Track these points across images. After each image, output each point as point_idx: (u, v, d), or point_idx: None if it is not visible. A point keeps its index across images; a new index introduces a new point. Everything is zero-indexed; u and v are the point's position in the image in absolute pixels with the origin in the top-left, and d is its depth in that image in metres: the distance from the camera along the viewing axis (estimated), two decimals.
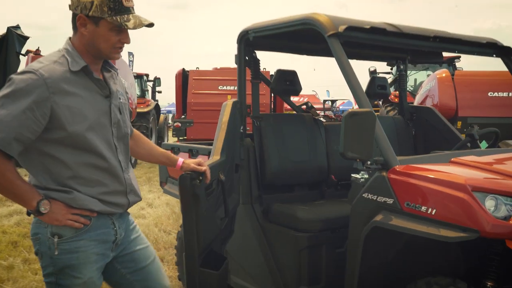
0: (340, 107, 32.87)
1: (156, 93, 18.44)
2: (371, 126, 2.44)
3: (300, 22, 3.04)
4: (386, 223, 2.44)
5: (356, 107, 18.56)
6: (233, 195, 3.27)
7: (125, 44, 2.08)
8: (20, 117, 1.86)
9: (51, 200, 1.97)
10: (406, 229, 2.37)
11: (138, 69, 19.21)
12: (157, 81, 18.32)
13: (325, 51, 3.67)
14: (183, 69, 11.70)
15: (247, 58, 3.58)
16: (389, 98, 12.54)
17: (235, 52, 3.57)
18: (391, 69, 13.79)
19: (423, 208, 2.35)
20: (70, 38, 2.09)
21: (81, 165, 2.02)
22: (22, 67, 14.71)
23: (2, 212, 7.11)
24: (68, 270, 2.02)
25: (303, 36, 3.38)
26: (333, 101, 29.38)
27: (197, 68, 11.87)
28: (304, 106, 4.28)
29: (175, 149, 4.32)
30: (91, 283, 2.07)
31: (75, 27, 2.05)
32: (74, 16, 2.03)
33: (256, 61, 3.64)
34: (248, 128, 3.59)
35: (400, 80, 4.38)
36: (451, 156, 2.75)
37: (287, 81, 3.78)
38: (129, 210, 2.27)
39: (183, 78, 11.59)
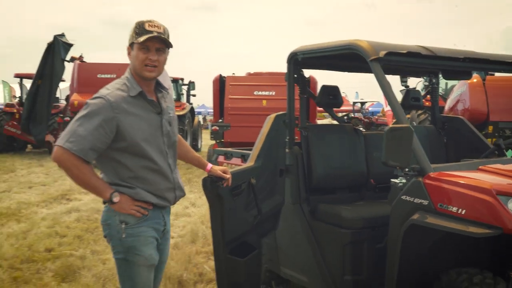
0: (370, 109, 32.98)
1: (191, 96, 19.06)
2: (409, 139, 2.89)
3: (345, 48, 3.50)
4: (422, 221, 2.89)
5: (387, 108, 18.87)
6: (276, 196, 3.74)
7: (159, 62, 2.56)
8: (94, 132, 2.42)
9: (120, 193, 2.51)
10: (439, 226, 2.81)
11: (168, 71, 19.83)
12: (191, 84, 18.92)
13: (363, 69, 4.11)
14: (220, 75, 12.24)
15: (295, 76, 4.05)
16: None
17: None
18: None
19: (454, 209, 2.79)
20: (129, 69, 2.63)
21: (139, 168, 2.56)
22: (67, 72, 15.55)
23: (61, 210, 7.76)
24: (133, 249, 2.57)
25: (344, 56, 3.82)
26: (362, 103, 29.52)
27: (233, 73, 12.41)
28: (346, 117, 4.75)
29: (228, 154, 4.84)
30: (151, 258, 2.62)
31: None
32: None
33: (304, 79, 4.11)
34: (296, 137, 4.07)
35: (432, 93, 4.78)
36: (479, 164, 3.17)
37: (330, 95, 4.24)
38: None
39: (220, 83, 12.14)
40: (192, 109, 18.08)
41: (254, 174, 3.41)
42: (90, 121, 2.42)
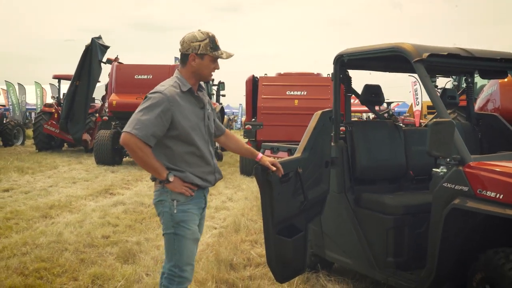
0: (395, 109, 33.00)
1: (221, 96, 19.53)
2: (450, 131, 3.24)
3: (390, 50, 3.85)
4: (463, 205, 3.23)
5: (416, 108, 19.02)
6: (322, 185, 4.11)
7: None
8: (154, 121, 2.88)
9: (174, 175, 2.96)
10: (479, 209, 3.15)
11: None
12: (221, 85, 19.37)
13: (405, 69, 4.45)
14: (253, 75, 12.63)
15: (341, 76, 4.41)
16: None
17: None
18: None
19: (492, 194, 3.12)
20: (178, 69, 3.12)
21: (187, 153, 3.02)
22: (104, 73, 16.15)
23: (107, 203, 8.24)
24: (182, 223, 3.01)
25: (387, 58, 4.16)
26: (388, 103, 29.58)
27: (265, 74, 12.79)
28: (386, 115, 5.10)
29: (274, 149, 5.23)
30: (195, 232, 3.08)
31: (184, 62, 3.08)
32: (185, 55, 3.06)
33: (349, 79, 4.47)
34: (342, 133, 4.43)
35: (467, 91, 5.09)
36: None
37: (373, 94, 4.59)
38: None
39: (253, 83, 12.53)
40: (222, 109, 18.57)
41: (301, 164, 3.78)
42: (151, 112, 2.88)
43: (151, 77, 13.64)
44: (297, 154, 3.92)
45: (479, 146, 4.83)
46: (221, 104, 19.07)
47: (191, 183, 3.03)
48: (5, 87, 28.08)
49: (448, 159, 3.38)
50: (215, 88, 19.54)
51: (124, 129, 2.90)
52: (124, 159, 14.39)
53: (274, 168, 3.38)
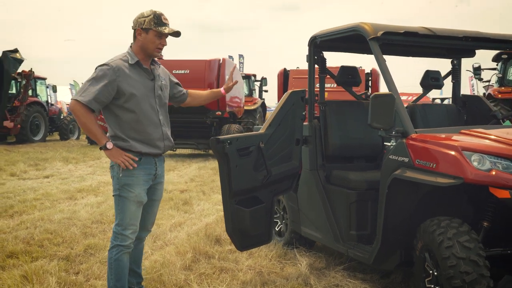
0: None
1: (263, 92, 19.82)
2: (391, 104, 3.35)
3: (352, 30, 3.98)
4: (402, 175, 3.34)
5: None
6: (293, 161, 4.27)
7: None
8: (99, 89, 3.16)
9: (114, 144, 3.22)
10: (414, 178, 3.25)
11: (248, 70, 20.78)
12: (263, 80, 19.66)
13: (368, 50, 4.53)
14: (284, 68, 12.83)
15: (316, 57, 4.57)
16: (493, 94, 12.67)
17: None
18: (497, 65, 13.78)
19: (428, 164, 3.21)
20: (131, 45, 3.37)
21: (134, 121, 3.27)
22: None
23: None
24: (126, 186, 3.28)
25: (355, 38, 4.28)
26: (442, 99, 28.80)
27: (297, 67, 12.95)
28: (363, 95, 5.20)
29: None
30: (138, 195, 3.31)
31: (134, 38, 3.33)
32: (134, 31, 3.32)
33: (323, 60, 4.62)
34: (315, 112, 4.59)
35: (453, 73, 5.09)
36: (461, 128, 3.55)
37: (349, 75, 4.71)
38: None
39: (284, 77, 12.72)
40: (263, 104, 18.83)
41: (264, 139, 3.97)
42: (97, 81, 3.19)
43: (188, 71, 14.10)
44: (261, 130, 4.13)
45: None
46: (263, 99, 19.34)
47: (136, 152, 3.29)
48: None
49: (393, 132, 3.49)
50: (257, 83, 19.86)
51: (73, 97, 3.26)
52: (167, 152, 14.95)
53: (231, 83, 3.76)
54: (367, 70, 13.95)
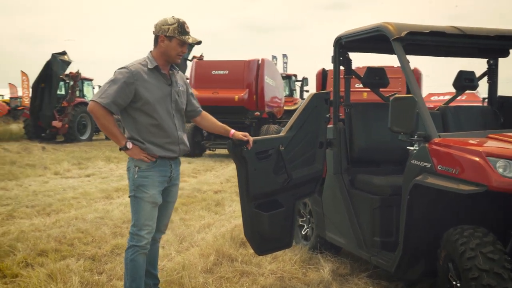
0: None
1: (304, 92, 19.69)
2: (411, 108, 3.22)
3: (375, 30, 3.86)
4: (423, 181, 3.20)
5: None
6: (315, 165, 4.18)
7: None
8: (118, 90, 3.23)
9: (133, 143, 3.29)
10: (436, 185, 3.11)
11: (292, 69, 20.71)
12: (304, 81, 19.53)
13: (392, 50, 4.36)
14: (323, 68, 12.65)
15: (341, 58, 4.46)
16: None
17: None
18: None
19: (450, 170, 3.07)
20: (151, 51, 3.42)
21: (151, 125, 3.32)
22: (187, 70, 17.05)
23: None
24: (141, 187, 3.33)
25: (380, 38, 4.15)
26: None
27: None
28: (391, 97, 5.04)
29: None
30: (153, 196, 3.35)
31: (155, 43, 3.39)
32: (156, 37, 3.37)
33: (349, 61, 4.51)
34: (340, 114, 4.49)
35: (489, 74, 4.86)
36: (490, 132, 3.37)
37: (376, 76, 4.58)
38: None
39: (323, 76, 12.55)
40: None
41: (284, 142, 3.91)
42: (116, 84, 3.25)
43: (227, 72, 14.18)
44: (281, 133, 4.07)
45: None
46: (303, 99, 19.18)
47: (151, 154, 3.33)
48: None
49: (415, 136, 3.37)
50: (298, 84, 19.75)
51: (91, 98, 3.32)
52: (206, 152, 15.11)
53: (245, 139, 3.62)
54: None
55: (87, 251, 4.85)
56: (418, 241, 3.45)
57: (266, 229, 3.87)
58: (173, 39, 3.34)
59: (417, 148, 3.40)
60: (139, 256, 3.38)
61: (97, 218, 6.21)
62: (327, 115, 4.31)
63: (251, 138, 3.65)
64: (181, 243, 5.22)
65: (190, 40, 3.38)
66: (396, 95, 3.32)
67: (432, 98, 18.72)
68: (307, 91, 19.84)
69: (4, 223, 6.04)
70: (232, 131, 3.67)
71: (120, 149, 3.33)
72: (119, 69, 3.33)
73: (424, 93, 19.22)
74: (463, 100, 19.31)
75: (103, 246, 5.02)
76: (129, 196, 3.41)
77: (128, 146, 3.28)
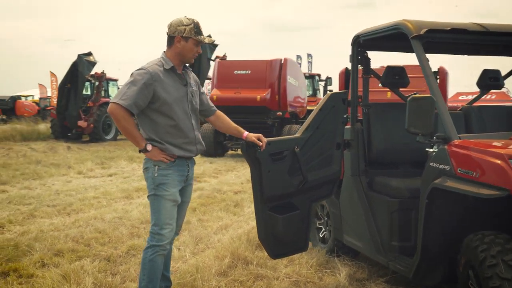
0: None
1: (328, 91, 19.50)
2: (430, 108, 3.10)
3: (394, 28, 3.74)
4: (442, 184, 3.07)
5: None
6: (333, 166, 4.08)
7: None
8: (138, 91, 3.22)
9: (152, 145, 3.29)
10: (455, 188, 2.98)
11: (317, 69, 20.55)
12: (328, 80, 19.35)
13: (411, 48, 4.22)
14: (346, 68, 12.49)
15: (359, 57, 4.35)
16: None
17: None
18: None
19: (470, 173, 2.94)
20: (164, 51, 3.41)
21: (169, 126, 3.32)
22: (210, 70, 17.07)
23: None
24: (162, 186, 3.32)
25: (399, 36, 4.02)
26: None
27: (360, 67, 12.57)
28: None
29: None
30: (173, 194, 3.36)
31: (169, 43, 3.38)
32: (171, 37, 3.37)
33: (367, 60, 4.39)
34: (358, 115, 4.37)
35: None
36: None
37: (396, 76, 4.44)
38: None
39: (346, 76, 12.38)
40: None
41: (299, 143, 3.82)
42: (135, 85, 3.24)
43: (249, 72, 14.12)
44: (297, 134, 3.98)
45: None
46: None
47: (170, 154, 3.34)
48: None
49: (434, 138, 3.24)
50: (322, 83, 19.58)
51: (112, 100, 3.29)
52: (228, 152, 15.09)
53: (260, 143, 3.55)
54: (434, 69, 13.30)
55: (103, 251, 4.85)
56: (437, 246, 3.33)
57: (280, 232, 3.79)
58: (189, 39, 3.35)
59: (436, 150, 3.27)
60: (158, 256, 3.36)
61: (116, 218, 6.22)
62: (345, 116, 4.21)
63: (264, 140, 3.59)
64: (197, 244, 5.18)
65: (206, 41, 3.41)
66: (414, 95, 3.20)
67: (460, 98, 18.34)
68: (330, 90, 19.62)
69: (25, 222, 6.10)
70: (246, 133, 3.61)
71: (140, 151, 3.32)
72: (137, 70, 3.32)
73: (451, 92, 18.84)
74: (492, 99, 18.86)
75: (119, 247, 5.01)
76: (148, 196, 3.42)
77: (148, 148, 3.28)
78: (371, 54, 4.53)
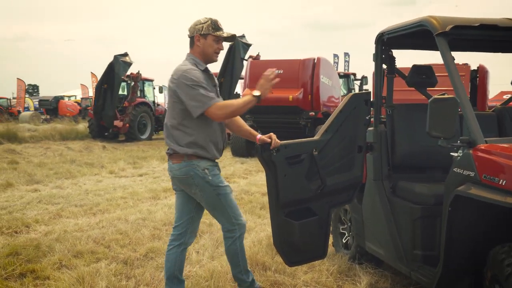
0: None
1: (363, 90, 19.12)
2: (453, 110, 2.89)
3: (419, 25, 3.53)
4: (465, 191, 2.86)
5: None
6: (353, 170, 3.89)
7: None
8: (207, 89, 3.28)
9: (192, 152, 3.35)
10: (479, 196, 2.76)
11: (354, 68, 20.17)
12: (364, 79, 18.91)
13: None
14: None
15: (383, 56, 4.15)
16: None
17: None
18: None
19: (496, 180, 2.72)
20: (188, 53, 3.44)
21: (210, 127, 3.37)
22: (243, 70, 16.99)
23: None
24: (220, 184, 3.42)
25: (424, 34, 3.80)
26: None
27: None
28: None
29: None
30: (229, 187, 3.52)
31: (191, 44, 3.42)
32: (192, 38, 3.40)
33: (392, 58, 4.18)
34: (382, 116, 4.17)
35: None
36: None
37: (423, 75, 4.21)
38: None
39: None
40: None
41: (317, 146, 3.66)
42: (200, 85, 3.27)
43: (282, 71, 13.93)
44: (316, 137, 3.82)
45: None
46: None
47: (213, 156, 3.43)
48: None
49: (458, 141, 3.02)
50: (357, 82, 19.20)
51: (204, 110, 3.25)
52: None
53: (268, 140, 3.48)
54: (474, 67, 12.81)
55: (121, 254, 4.81)
56: (461, 258, 3.10)
57: (296, 239, 3.64)
58: (208, 36, 3.38)
59: (461, 154, 3.05)
60: (243, 241, 3.60)
61: (139, 219, 6.19)
62: (367, 117, 4.01)
63: (274, 137, 3.50)
64: (217, 247, 5.07)
65: (224, 35, 3.41)
66: (436, 96, 2.99)
67: (504, 97, 17.67)
68: (366, 90, 19.26)
69: (50, 222, 6.16)
70: (258, 136, 3.50)
71: (258, 101, 3.34)
72: (187, 73, 3.28)
73: (493, 92, 18.16)
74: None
75: (138, 249, 4.96)
76: (207, 201, 3.45)
77: (255, 94, 3.32)
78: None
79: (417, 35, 3.78)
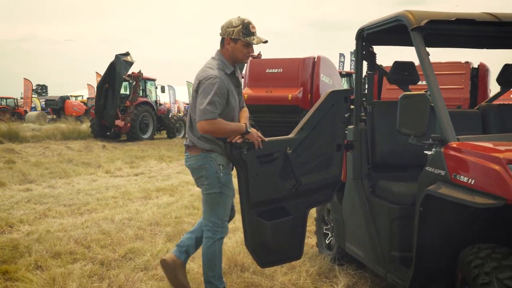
0: None
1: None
2: (423, 107, 2.78)
3: (395, 20, 3.42)
4: (436, 191, 2.75)
5: None
6: (330, 169, 3.79)
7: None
8: (217, 100, 3.28)
9: (209, 148, 3.41)
10: (448, 196, 2.65)
11: (349, 67, 20.02)
12: (366, 79, 18.79)
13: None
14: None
15: (364, 52, 4.03)
16: None
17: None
18: None
19: (465, 179, 2.60)
20: (218, 51, 3.46)
21: None
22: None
23: None
24: (227, 184, 3.47)
25: (403, 30, 3.69)
26: None
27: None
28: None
29: None
30: (234, 192, 3.55)
31: (222, 45, 3.45)
32: (222, 39, 3.44)
33: (372, 54, 4.07)
34: (362, 114, 4.05)
35: None
36: None
37: (405, 72, 4.10)
38: None
39: (379, 76, 11.95)
40: None
41: (291, 145, 3.55)
42: (212, 94, 3.27)
43: (281, 70, 13.85)
44: (291, 135, 3.71)
45: None
46: None
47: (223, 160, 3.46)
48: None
49: (430, 140, 2.91)
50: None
51: (198, 119, 3.28)
52: None
53: (251, 140, 3.40)
54: (475, 65, 12.63)
55: (100, 254, 4.73)
56: (433, 259, 2.99)
57: (268, 239, 3.55)
58: (238, 41, 3.39)
59: (433, 153, 2.94)
60: (221, 246, 3.58)
61: (125, 219, 6.12)
62: (346, 115, 3.91)
63: (256, 138, 3.41)
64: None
65: (255, 41, 3.40)
66: (405, 93, 2.87)
67: None
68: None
69: (35, 222, 6.10)
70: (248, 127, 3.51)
71: (243, 134, 3.33)
72: (208, 79, 3.29)
73: (496, 90, 17.85)
74: None
75: (118, 250, 4.88)
76: (208, 193, 3.45)
77: (249, 129, 3.35)
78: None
79: (396, 30, 3.66)
